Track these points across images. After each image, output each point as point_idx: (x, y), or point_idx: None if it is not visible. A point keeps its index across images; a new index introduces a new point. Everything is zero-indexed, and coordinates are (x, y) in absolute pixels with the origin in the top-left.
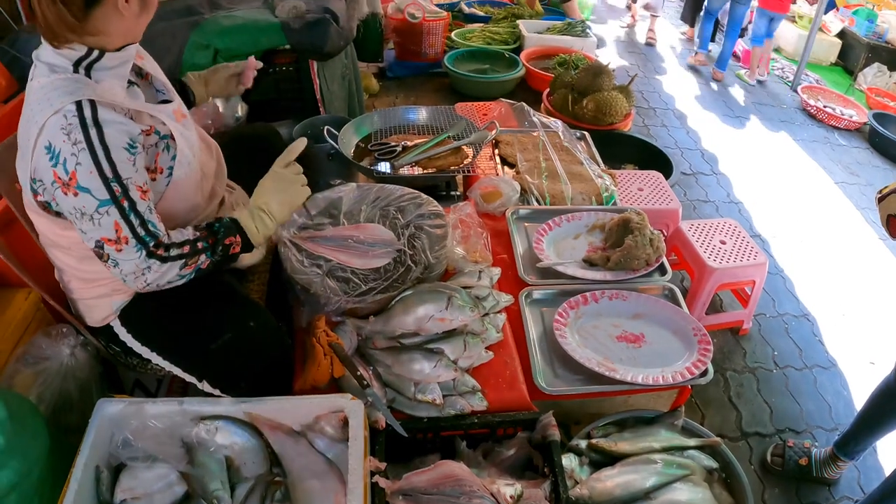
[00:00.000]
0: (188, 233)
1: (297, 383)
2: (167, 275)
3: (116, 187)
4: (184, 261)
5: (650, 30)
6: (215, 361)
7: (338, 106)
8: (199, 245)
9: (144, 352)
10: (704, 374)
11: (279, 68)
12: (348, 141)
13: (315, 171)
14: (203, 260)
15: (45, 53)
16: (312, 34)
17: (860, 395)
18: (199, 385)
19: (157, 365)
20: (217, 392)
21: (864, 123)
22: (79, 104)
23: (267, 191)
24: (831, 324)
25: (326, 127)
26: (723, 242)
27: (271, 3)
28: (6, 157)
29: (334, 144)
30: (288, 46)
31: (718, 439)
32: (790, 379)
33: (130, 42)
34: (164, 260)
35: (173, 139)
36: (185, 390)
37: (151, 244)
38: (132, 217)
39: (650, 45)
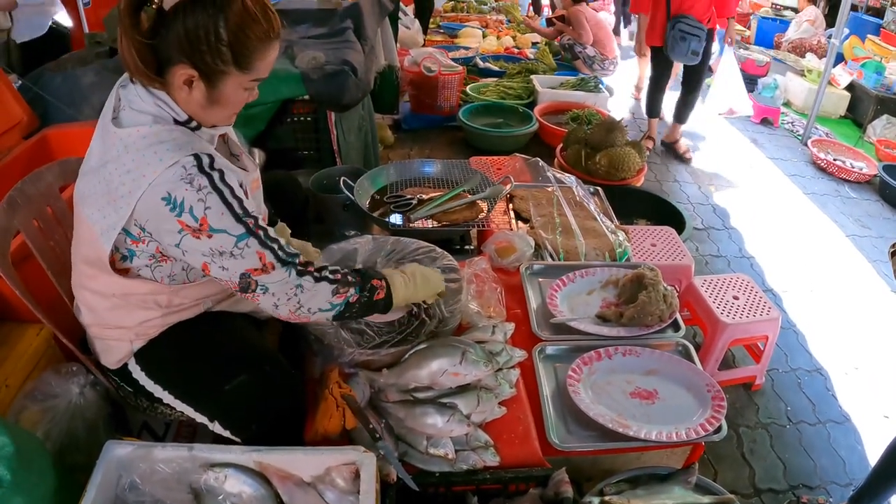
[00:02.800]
0: (337, 265)
1: (308, 434)
2: (319, 296)
3: (249, 220)
4: (336, 286)
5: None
6: (228, 402)
7: (354, 157)
8: (350, 278)
9: (157, 390)
10: (718, 430)
11: (297, 118)
12: (364, 192)
13: (330, 222)
14: (353, 294)
15: (140, 102)
16: (331, 85)
17: (874, 449)
18: (211, 426)
19: (169, 405)
20: (228, 433)
21: (875, 176)
22: (196, 156)
23: (415, 269)
24: (844, 378)
25: (342, 178)
26: (735, 298)
27: (291, 54)
28: (27, 193)
29: (350, 195)
30: (307, 97)
31: (732, 496)
32: (803, 434)
33: (221, 124)
34: (317, 279)
35: None
36: (193, 435)
37: (297, 262)
38: (270, 243)
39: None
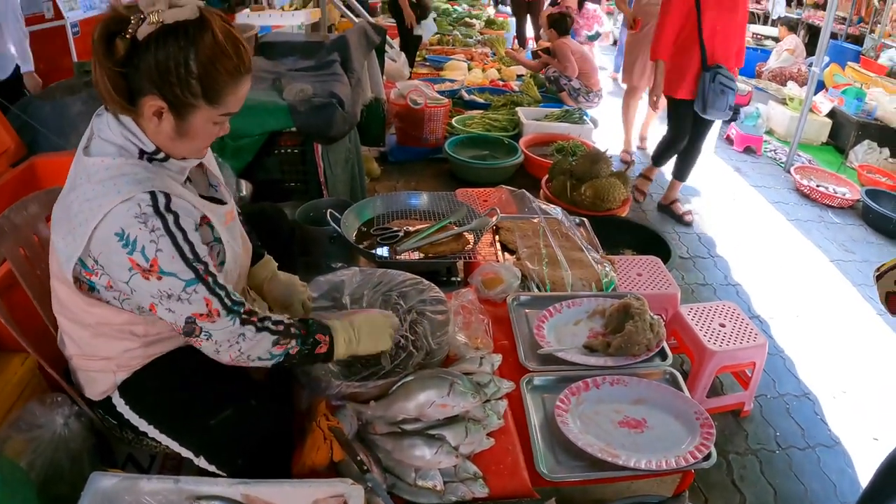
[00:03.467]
0: (282, 316)
1: (295, 466)
2: (259, 346)
3: (199, 266)
4: (277, 337)
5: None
6: (214, 437)
7: (340, 189)
8: (293, 330)
9: (142, 424)
10: (708, 457)
11: (285, 150)
12: (351, 224)
13: (317, 254)
14: (293, 345)
15: (108, 131)
16: (319, 118)
17: (865, 472)
18: (196, 460)
19: (154, 439)
20: (213, 468)
21: (857, 200)
22: (153, 194)
23: (363, 323)
24: (832, 402)
25: (329, 210)
26: (722, 325)
27: (279, 86)
28: (13, 221)
29: (337, 228)
30: (294, 129)
31: None
32: (793, 459)
33: (191, 156)
34: (258, 329)
35: (223, 244)
36: (178, 467)
37: (242, 311)
38: (217, 290)
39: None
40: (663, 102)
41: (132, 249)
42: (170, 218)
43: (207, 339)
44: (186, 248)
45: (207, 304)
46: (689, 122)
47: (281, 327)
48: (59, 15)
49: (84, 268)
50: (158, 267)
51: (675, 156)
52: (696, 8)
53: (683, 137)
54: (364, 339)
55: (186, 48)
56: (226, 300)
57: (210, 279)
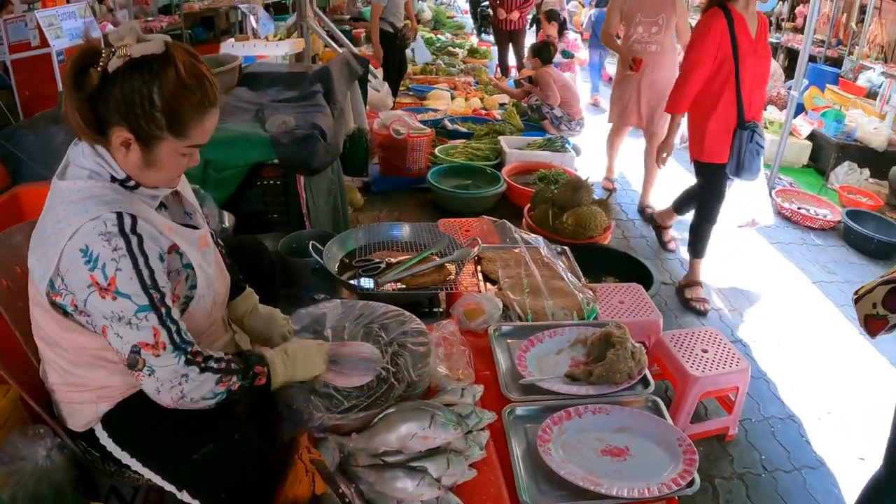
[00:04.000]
0: (221, 353)
1: (278, 500)
2: (203, 388)
3: (155, 294)
4: (220, 376)
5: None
6: (197, 472)
7: (323, 220)
8: (233, 366)
9: (124, 457)
10: (691, 484)
11: (267, 181)
12: (333, 256)
13: (299, 286)
14: (234, 381)
15: (82, 158)
16: (301, 150)
17: (851, 492)
18: (179, 495)
19: (136, 472)
20: (196, 502)
21: (839, 222)
22: (119, 214)
23: (297, 350)
24: (817, 423)
25: (311, 242)
26: (704, 351)
27: (262, 117)
28: None
29: (319, 259)
30: (276, 161)
31: None
32: (779, 482)
33: (162, 186)
34: (202, 369)
35: (194, 270)
36: (161, 500)
37: (189, 350)
38: (169, 323)
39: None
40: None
41: (94, 266)
42: (133, 240)
43: (150, 376)
44: (146, 273)
45: (155, 335)
46: (721, 187)
47: (222, 365)
48: (44, 42)
49: (52, 288)
50: (115, 286)
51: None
52: (734, 56)
53: (717, 208)
54: (300, 365)
55: (151, 82)
56: (175, 336)
57: (164, 310)
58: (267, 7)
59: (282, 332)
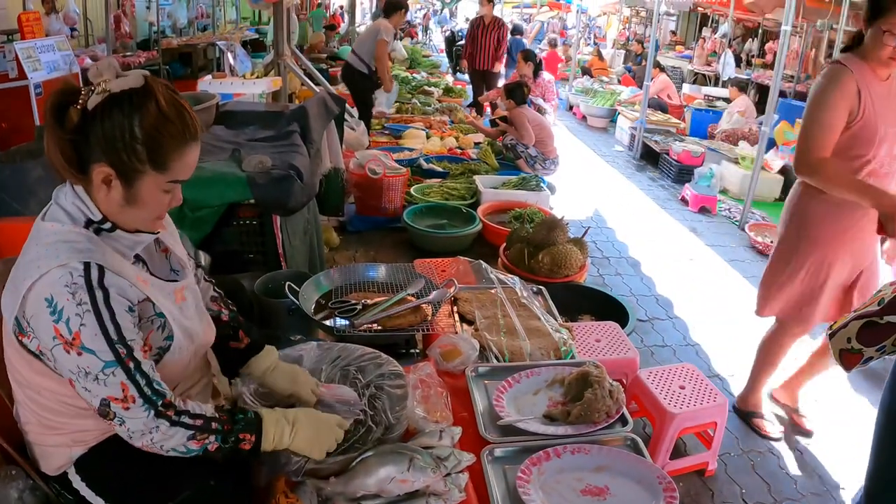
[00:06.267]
0: (207, 409)
1: None
2: (172, 440)
3: (121, 349)
4: (193, 433)
5: None
6: None
7: (299, 260)
8: (214, 425)
9: (98, 502)
10: None
11: (243, 221)
12: (309, 297)
13: (276, 327)
14: (212, 442)
15: (63, 199)
16: (277, 190)
17: None
18: None
19: None
20: None
21: None
22: (87, 266)
23: (303, 417)
24: (797, 454)
25: (287, 283)
26: (682, 387)
27: (238, 157)
28: None
29: (295, 300)
30: (253, 201)
31: None
32: None
33: (143, 230)
34: (172, 423)
35: (166, 319)
36: None
37: (159, 403)
38: (138, 377)
39: None
40: None
41: (58, 318)
42: (99, 294)
43: (121, 425)
44: (111, 329)
45: (124, 390)
46: None
47: (199, 422)
48: (22, 74)
49: (19, 328)
50: (81, 341)
51: None
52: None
53: None
54: (301, 436)
55: (131, 115)
56: (145, 388)
57: (132, 364)
58: (244, 44)
59: (307, 391)
